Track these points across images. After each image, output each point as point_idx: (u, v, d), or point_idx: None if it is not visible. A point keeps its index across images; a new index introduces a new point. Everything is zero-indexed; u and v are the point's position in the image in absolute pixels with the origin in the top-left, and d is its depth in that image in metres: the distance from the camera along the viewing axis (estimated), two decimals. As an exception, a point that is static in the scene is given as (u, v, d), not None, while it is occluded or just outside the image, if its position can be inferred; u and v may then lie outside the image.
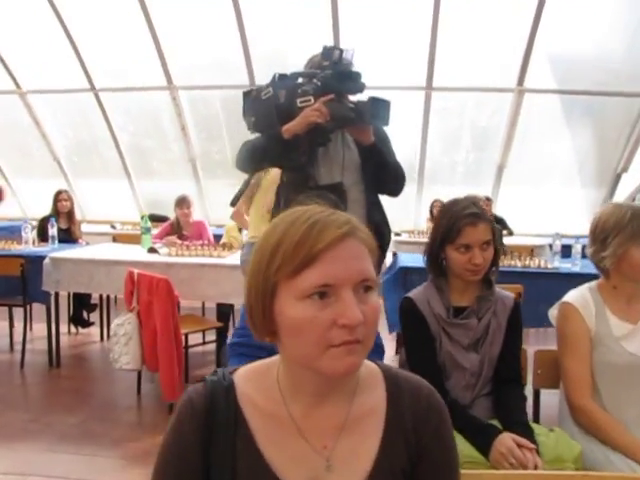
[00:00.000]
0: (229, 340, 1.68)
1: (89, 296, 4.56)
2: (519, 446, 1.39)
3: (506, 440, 1.40)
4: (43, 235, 4.45)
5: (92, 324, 4.67)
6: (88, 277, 3.77)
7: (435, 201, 6.45)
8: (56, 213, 4.73)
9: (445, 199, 5.86)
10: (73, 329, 4.70)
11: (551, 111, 6.00)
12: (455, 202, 1.67)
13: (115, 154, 6.82)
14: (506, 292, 1.76)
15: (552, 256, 3.86)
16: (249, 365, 0.90)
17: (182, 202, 4.56)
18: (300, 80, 2.27)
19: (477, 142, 6.50)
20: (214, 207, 7.13)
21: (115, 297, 4.75)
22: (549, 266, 3.65)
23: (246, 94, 2.37)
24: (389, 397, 0.87)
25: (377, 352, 1.86)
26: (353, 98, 2.25)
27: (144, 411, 3.32)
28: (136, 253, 4.00)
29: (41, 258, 3.81)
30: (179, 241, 4.23)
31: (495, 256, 1.66)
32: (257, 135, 2.40)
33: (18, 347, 4.15)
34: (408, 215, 6.85)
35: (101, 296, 4.48)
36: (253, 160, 2.34)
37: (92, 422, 3.09)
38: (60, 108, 6.79)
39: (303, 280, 0.75)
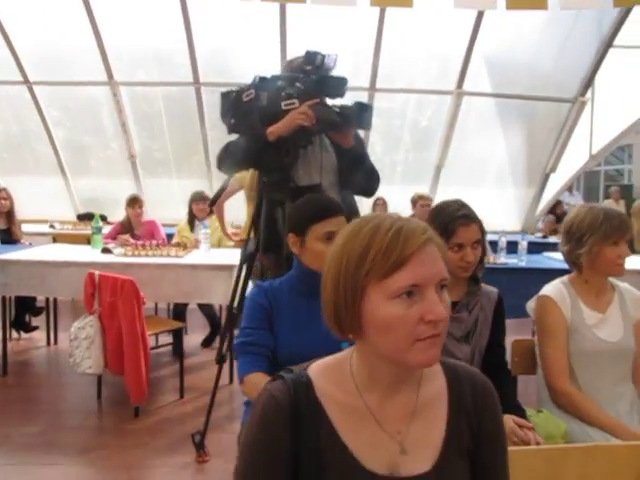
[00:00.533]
0: (235, 340, 1.70)
1: (34, 299, 4.38)
2: (519, 426, 1.52)
3: (507, 421, 1.53)
4: (-19, 236, 4.23)
5: (36, 328, 4.48)
6: (39, 279, 3.62)
7: (378, 199, 6.63)
8: (-6, 212, 4.50)
9: (386, 197, 5.97)
10: (14, 334, 4.48)
11: (487, 113, 6.33)
12: (447, 204, 1.78)
13: (50, 150, 6.53)
14: (490, 287, 1.89)
15: (499, 252, 4.11)
16: (320, 361, 0.95)
17: (134, 201, 4.47)
18: (280, 83, 2.32)
19: (417, 142, 6.75)
20: (155, 206, 6.98)
21: (55, 300, 4.48)
22: (498, 262, 3.88)
23: (225, 95, 2.39)
24: (449, 384, 0.95)
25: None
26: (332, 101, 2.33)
27: (107, 416, 3.24)
28: (89, 254, 3.89)
29: (-15, 261, 3.63)
30: (132, 240, 4.15)
31: (482, 254, 1.79)
32: (236, 136, 2.43)
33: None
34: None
35: (47, 299, 4.30)
36: (235, 161, 2.37)
37: (53, 431, 2.99)
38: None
39: (394, 282, 0.82)
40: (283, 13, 5.43)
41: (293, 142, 2.27)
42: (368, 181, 2.45)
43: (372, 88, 6.02)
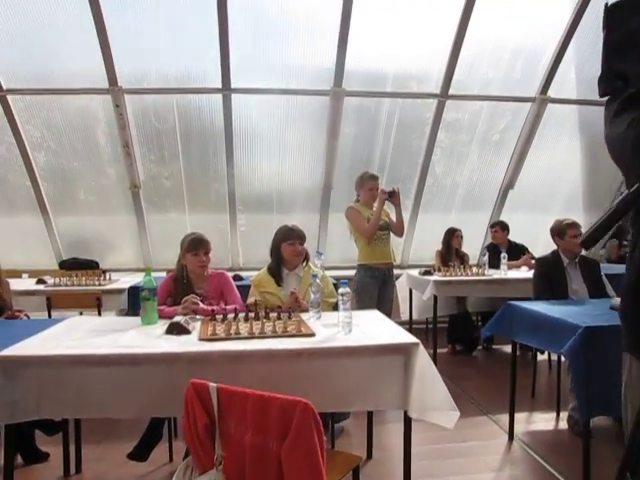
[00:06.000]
0: None
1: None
2: None
3: None
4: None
5: (48, 456, 2.73)
6: (75, 392, 2.03)
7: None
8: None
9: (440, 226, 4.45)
10: (19, 460, 2.72)
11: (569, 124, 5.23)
12: None
13: (26, 181, 4.82)
14: None
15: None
16: None
17: (198, 245, 2.83)
18: None
19: (484, 161, 5.54)
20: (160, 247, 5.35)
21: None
22: None
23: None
24: None
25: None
26: None
27: None
28: (145, 334, 2.30)
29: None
30: (203, 306, 2.61)
31: None
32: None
33: None
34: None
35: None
36: None
37: None
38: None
39: None
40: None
41: None
42: None
43: (444, 95, 4.78)
